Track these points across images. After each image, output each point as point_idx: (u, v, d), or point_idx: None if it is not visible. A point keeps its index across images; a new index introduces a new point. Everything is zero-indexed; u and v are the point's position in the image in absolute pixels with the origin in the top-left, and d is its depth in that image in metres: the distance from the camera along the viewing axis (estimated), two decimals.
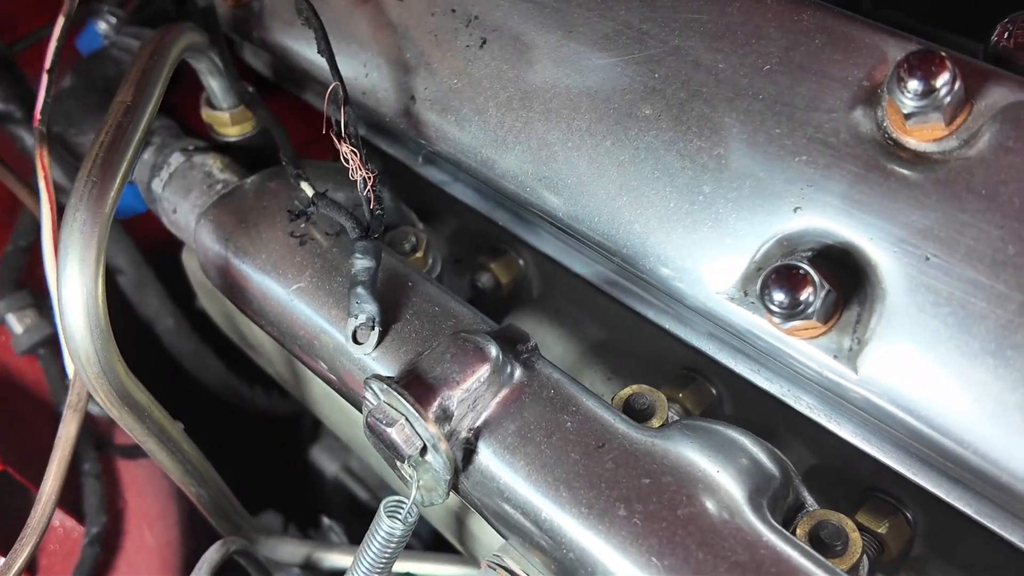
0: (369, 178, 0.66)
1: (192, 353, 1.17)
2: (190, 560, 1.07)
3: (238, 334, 1.09)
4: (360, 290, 0.67)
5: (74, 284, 0.61)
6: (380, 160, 1.01)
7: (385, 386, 0.60)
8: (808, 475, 0.75)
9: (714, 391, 0.80)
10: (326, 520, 1.28)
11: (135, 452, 1.06)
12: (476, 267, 0.93)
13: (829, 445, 0.72)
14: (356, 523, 1.37)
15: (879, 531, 0.69)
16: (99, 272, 0.62)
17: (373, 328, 0.68)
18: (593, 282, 0.79)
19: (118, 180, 0.64)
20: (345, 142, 0.67)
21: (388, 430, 0.60)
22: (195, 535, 1.10)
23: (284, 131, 0.75)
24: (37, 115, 0.80)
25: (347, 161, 0.67)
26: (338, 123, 0.67)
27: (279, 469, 1.45)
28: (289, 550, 1.02)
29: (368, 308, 0.67)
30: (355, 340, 0.68)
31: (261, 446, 1.42)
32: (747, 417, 0.79)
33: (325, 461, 1.45)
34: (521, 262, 0.93)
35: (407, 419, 0.60)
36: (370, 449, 1.02)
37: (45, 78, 0.80)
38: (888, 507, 0.70)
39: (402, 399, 0.59)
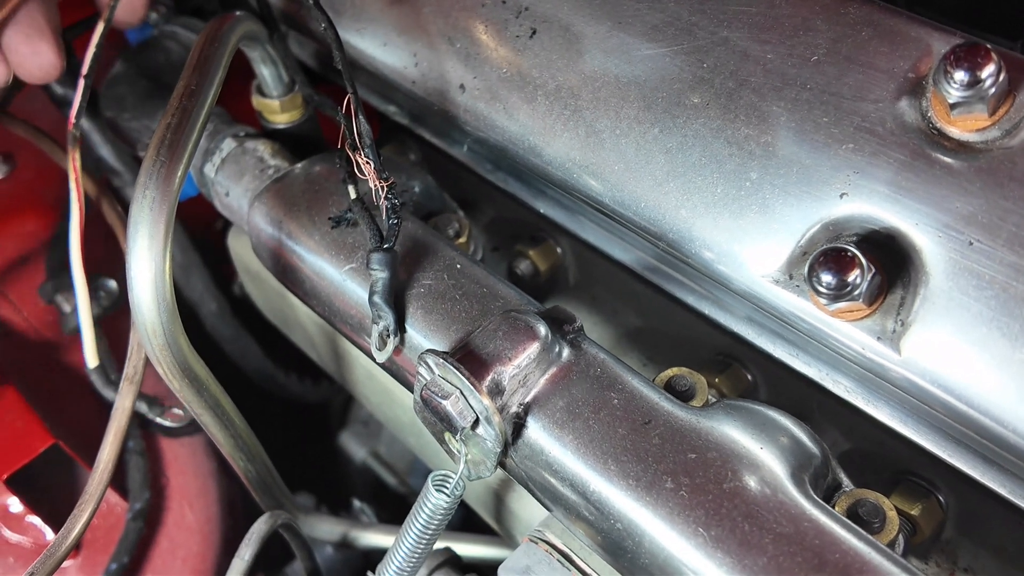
0: (383, 188, 0.68)
1: (232, 337, 1.20)
2: (228, 538, 1.10)
3: (280, 317, 1.12)
4: (376, 299, 0.69)
5: (143, 259, 0.64)
6: (420, 149, 1.04)
7: (441, 360, 0.62)
8: (842, 459, 0.77)
9: (749, 376, 0.82)
10: (357, 502, 1.30)
11: (177, 431, 1.09)
12: (515, 254, 0.96)
13: (862, 430, 0.75)
14: (383, 507, 1.40)
15: (912, 513, 0.71)
16: (167, 248, 0.65)
17: (390, 336, 0.70)
18: (633, 268, 0.81)
19: (184, 160, 0.66)
20: (359, 153, 0.68)
21: (443, 402, 0.62)
22: (233, 514, 1.13)
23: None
24: (72, 119, 0.81)
25: (361, 172, 0.68)
26: (352, 134, 0.68)
27: (309, 453, 1.48)
28: (326, 528, 1.04)
29: (386, 317, 0.69)
30: (379, 346, 0.71)
31: (292, 431, 1.45)
32: (781, 402, 0.81)
33: (354, 447, 1.47)
34: (559, 250, 0.95)
35: (461, 392, 0.62)
36: (407, 429, 1.05)
37: (81, 83, 0.81)
38: (920, 490, 0.72)
39: (457, 372, 0.61)
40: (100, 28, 0.79)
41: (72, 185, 0.77)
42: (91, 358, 0.85)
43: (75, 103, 0.79)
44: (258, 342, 1.29)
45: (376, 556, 1.28)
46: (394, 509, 1.40)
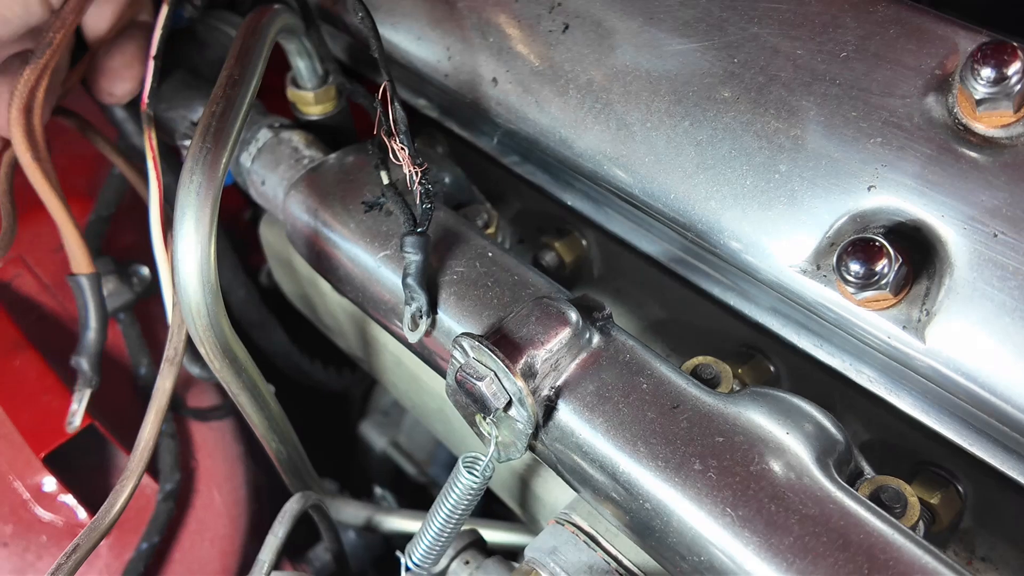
0: (417, 173, 0.70)
1: (259, 323, 1.22)
2: (255, 522, 1.12)
3: (308, 305, 1.14)
4: (410, 281, 0.71)
5: (189, 241, 0.66)
6: (449, 143, 1.06)
7: (476, 343, 0.64)
8: (862, 450, 0.78)
9: (772, 368, 0.84)
10: (378, 489, 1.32)
11: (207, 415, 1.11)
12: (540, 246, 0.97)
13: (883, 420, 0.76)
14: (403, 496, 1.42)
15: (931, 501, 0.72)
16: (212, 231, 0.67)
17: (422, 317, 0.72)
18: (659, 260, 0.83)
19: (229, 147, 0.69)
20: (394, 139, 0.70)
21: (478, 383, 0.64)
22: (259, 500, 1.15)
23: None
24: (145, 99, 0.85)
25: (396, 158, 0.70)
26: (388, 121, 0.70)
27: (329, 441, 1.50)
28: (351, 512, 1.06)
29: (419, 299, 0.71)
30: (411, 327, 0.73)
31: (314, 418, 1.47)
32: (804, 393, 0.82)
33: (374, 436, 1.49)
34: (584, 242, 0.97)
35: (496, 374, 0.64)
36: (434, 416, 1.07)
37: (151, 64, 0.86)
38: (940, 479, 0.74)
39: (492, 355, 0.63)
40: (164, 11, 0.82)
41: (150, 163, 0.80)
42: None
43: (146, 84, 0.83)
44: (283, 330, 1.31)
45: (397, 541, 1.30)
46: (414, 498, 1.42)
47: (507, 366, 0.63)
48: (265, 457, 1.06)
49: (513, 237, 1.02)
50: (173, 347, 0.79)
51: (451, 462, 1.49)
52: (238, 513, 1.10)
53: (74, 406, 0.99)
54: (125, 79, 0.91)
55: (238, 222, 1.32)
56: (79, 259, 0.93)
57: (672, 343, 0.91)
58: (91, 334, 0.97)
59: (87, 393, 0.99)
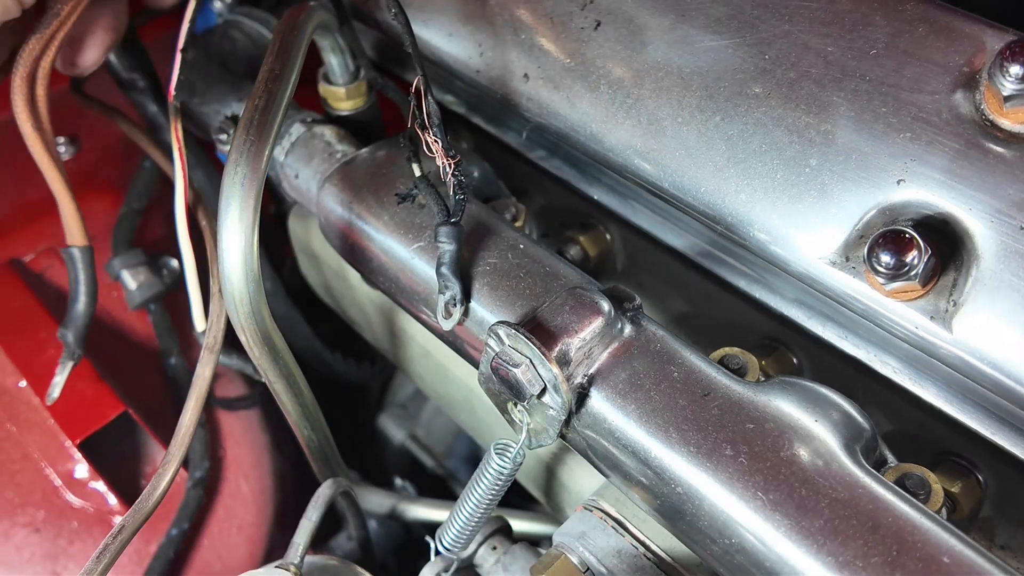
0: (450, 165, 0.72)
1: (285, 316, 1.24)
2: (281, 511, 1.14)
3: (334, 298, 1.16)
4: (444, 270, 0.73)
5: (234, 231, 0.68)
6: (474, 139, 1.08)
7: (512, 331, 0.66)
8: (884, 440, 0.80)
9: (795, 360, 0.85)
10: (398, 480, 1.34)
11: (234, 405, 1.13)
12: (564, 240, 0.99)
13: (905, 412, 0.78)
14: (421, 488, 1.44)
15: (952, 490, 0.74)
16: (255, 222, 0.69)
17: (456, 306, 0.74)
18: (685, 253, 0.84)
19: (271, 139, 0.70)
20: (428, 132, 0.72)
21: (513, 370, 0.65)
22: (284, 489, 1.17)
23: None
24: (172, 91, 0.87)
25: (429, 150, 0.72)
26: (422, 114, 0.72)
27: (348, 432, 1.52)
28: (375, 500, 1.08)
29: (452, 287, 0.73)
30: (445, 315, 0.75)
31: (333, 410, 1.49)
32: (827, 385, 0.84)
33: (392, 429, 1.52)
34: (608, 236, 0.98)
35: (531, 361, 0.65)
36: (459, 406, 1.09)
37: (178, 58, 0.87)
38: (960, 469, 0.75)
39: (528, 342, 0.65)
40: (193, 4, 0.84)
41: (176, 155, 0.82)
42: (199, 322, 0.88)
43: (173, 77, 0.85)
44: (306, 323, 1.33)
45: (417, 531, 1.32)
46: (431, 490, 1.44)
47: (543, 353, 0.65)
48: (290, 446, 1.08)
49: (537, 231, 1.04)
50: (212, 335, 0.81)
51: (469, 455, 1.51)
52: (265, 501, 1.12)
53: (57, 378, 0.94)
54: (90, 48, 0.87)
55: (263, 217, 1.33)
56: (74, 231, 0.89)
57: (695, 336, 0.93)
58: (79, 307, 0.92)
59: (69, 366, 0.94)
